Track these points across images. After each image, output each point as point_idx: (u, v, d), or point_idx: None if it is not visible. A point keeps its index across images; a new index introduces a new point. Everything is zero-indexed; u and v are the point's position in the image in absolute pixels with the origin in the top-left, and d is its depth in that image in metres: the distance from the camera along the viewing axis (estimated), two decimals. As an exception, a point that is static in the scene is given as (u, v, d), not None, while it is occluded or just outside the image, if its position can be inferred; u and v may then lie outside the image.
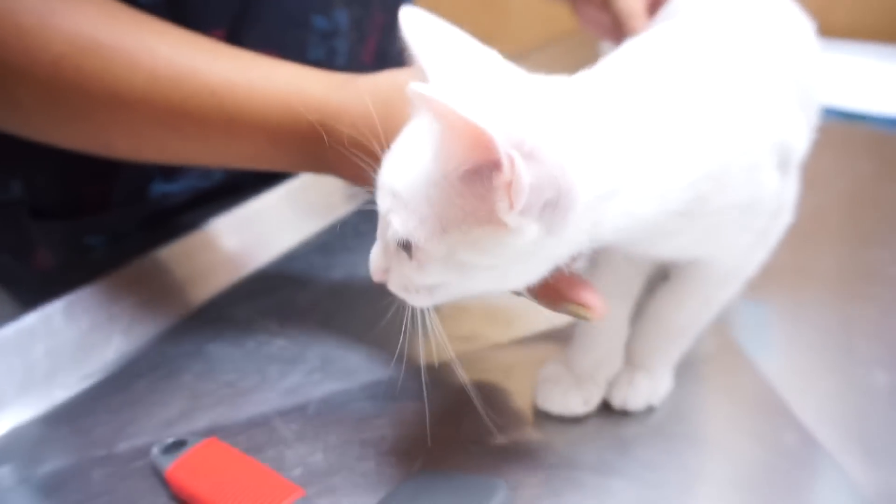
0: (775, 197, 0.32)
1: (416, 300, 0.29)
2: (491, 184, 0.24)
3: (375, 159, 0.34)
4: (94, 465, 0.36)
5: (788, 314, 0.48)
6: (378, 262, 0.29)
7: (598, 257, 0.37)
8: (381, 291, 0.51)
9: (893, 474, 0.34)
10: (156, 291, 0.48)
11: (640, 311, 0.38)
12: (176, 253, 0.50)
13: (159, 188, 0.53)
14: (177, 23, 0.42)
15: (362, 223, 0.60)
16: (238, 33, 0.50)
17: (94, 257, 0.51)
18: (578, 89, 0.28)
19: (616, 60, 0.31)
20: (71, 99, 0.37)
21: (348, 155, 0.35)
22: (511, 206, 0.24)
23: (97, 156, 0.42)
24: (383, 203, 0.27)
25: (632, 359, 0.37)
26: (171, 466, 0.33)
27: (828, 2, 1.13)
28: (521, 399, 0.39)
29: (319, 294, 0.50)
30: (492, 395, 0.40)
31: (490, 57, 0.29)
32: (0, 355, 0.39)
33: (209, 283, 0.50)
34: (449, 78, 0.27)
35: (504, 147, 0.23)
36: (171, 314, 0.47)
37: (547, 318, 0.45)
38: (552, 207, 0.25)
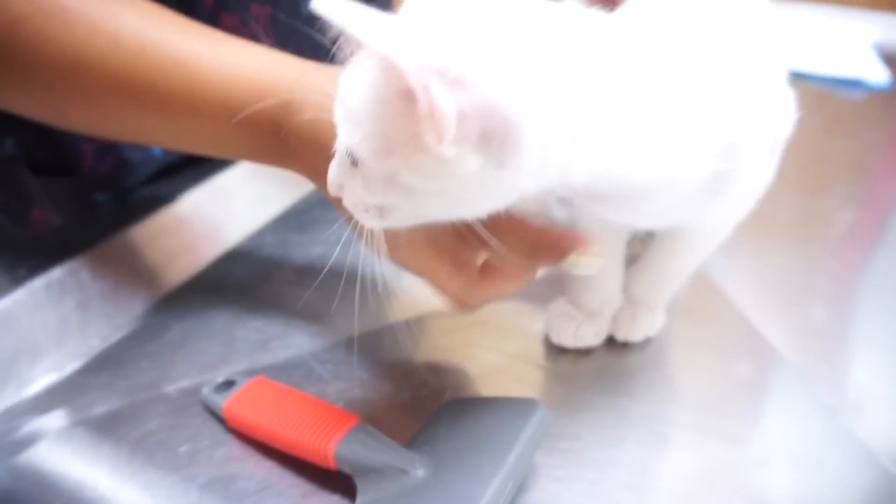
0: (764, 171, 0.34)
1: (368, 221, 0.29)
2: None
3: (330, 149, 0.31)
4: (146, 406, 0.38)
5: (755, 256, 0.54)
6: (334, 177, 0.29)
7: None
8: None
9: (847, 388, 0.42)
10: (172, 246, 0.49)
11: (641, 257, 0.42)
12: (187, 208, 0.51)
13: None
14: None
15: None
16: None
17: (101, 214, 0.52)
18: (565, 24, 0.26)
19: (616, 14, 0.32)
20: (27, 61, 0.36)
21: (305, 141, 0.34)
22: (437, 136, 0.23)
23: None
24: (338, 112, 0.26)
25: (633, 298, 0.42)
26: (227, 402, 0.36)
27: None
28: (531, 335, 0.44)
29: (329, 246, 0.53)
30: (504, 332, 0.44)
31: None
32: (33, 307, 0.40)
33: (220, 238, 0.52)
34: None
35: (415, 74, 0.22)
36: (190, 267, 0.49)
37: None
38: (496, 139, 0.24)
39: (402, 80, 0.22)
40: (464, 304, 0.35)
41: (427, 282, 0.36)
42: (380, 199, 0.27)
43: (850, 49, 0.97)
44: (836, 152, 0.73)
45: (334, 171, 0.29)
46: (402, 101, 0.23)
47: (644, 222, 0.37)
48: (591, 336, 0.41)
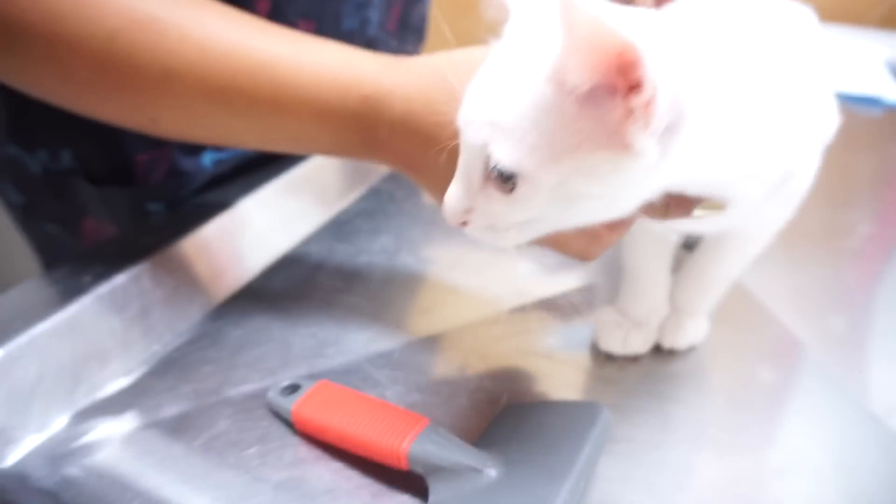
0: (812, 174, 0.37)
1: (504, 239, 0.29)
2: (612, 105, 0.23)
3: (427, 139, 0.34)
4: (212, 409, 0.39)
5: (786, 266, 0.55)
6: (460, 202, 0.28)
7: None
8: (436, 249, 0.55)
9: (878, 386, 0.43)
10: (223, 255, 0.50)
11: (685, 265, 0.44)
12: (235, 218, 0.52)
13: (211, 156, 0.55)
14: None
15: (398, 190, 0.64)
16: (280, 4, 0.52)
17: (155, 223, 0.53)
18: (680, 25, 0.28)
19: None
20: (123, 72, 0.37)
21: (398, 134, 0.36)
22: (647, 128, 0.23)
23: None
24: (477, 135, 0.26)
25: (678, 306, 0.44)
26: (295, 405, 0.37)
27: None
28: (579, 342, 0.45)
29: (374, 255, 0.54)
30: (553, 340, 0.46)
31: None
32: (100, 313, 0.42)
33: (268, 247, 0.53)
34: (534, 13, 0.27)
35: (650, 66, 0.22)
36: (241, 275, 0.50)
37: (585, 277, 0.52)
38: (669, 131, 0.24)
39: (620, 72, 0.22)
40: (587, 258, 0.36)
41: (550, 246, 0.36)
42: (535, 212, 0.27)
43: (865, 67, 0.99)
44: (856, 168, 0.74)
45: (458, 196, 0.28)
46: (581, 101, 0.24)
47: (707, 225, 0.38)
48: (638, 343, 0.43)
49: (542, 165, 0.25)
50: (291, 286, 0.50)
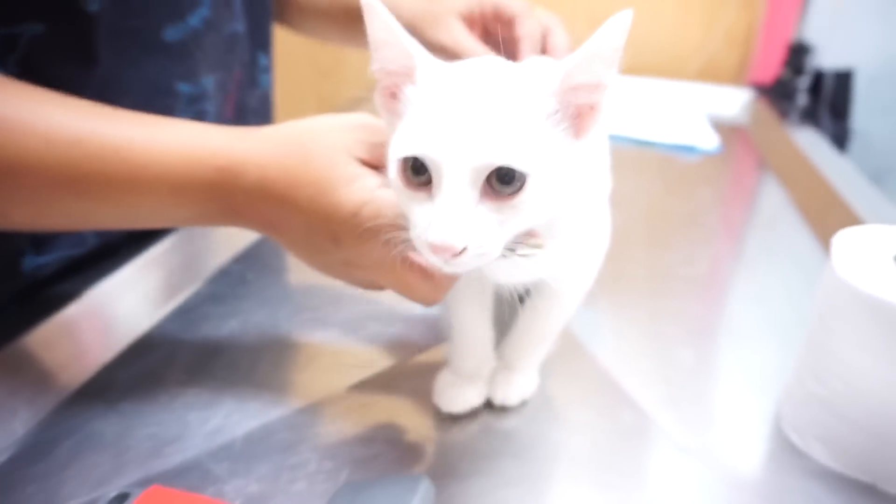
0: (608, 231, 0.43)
1: (495, 250, 0.31)
2: (575, 104, 0.31)
3: (283, 202, 0.38)
4: (33, 533, 0.37)
5: (612, 313, 0.60)
6: (463, 222, 0.29)
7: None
8: (284, 329, 0.55)
9: (703, 430, 0.47)
10: (52, 361, 0.48)
11: (511, 325, 0.47)
12: (65, 322, 0.50)
13: (31, 261, 0.53)
14: None
15: (248, 270, 0.65)
16: (106, 103, 0.52)
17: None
18: None
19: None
20: None
21: (256, 199, 0.38)
22: (598, 118, 0.32)
23: None
24: (474, 158, 0.29)
25: (508, 363, 0.47)
26: (122, 518, 0.36)
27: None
28: (420, 409, 0.47)
29: (221, 341, 0.54)
30: (394, 411, 0.47)
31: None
32: None
33: (105, 345, 0.52)
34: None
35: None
36: (74, 380, 0.48)
37: (426, 344, 0.54)
38: None
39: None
40: (430, 302, 0.39)
41: (398, 291, 0.40)
42: (536, 207, 0.31)
43: (684, 118, 1.12)
44: (676, 211, 0.83)
45: (461, 217, 0.30)
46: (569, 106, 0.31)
47: (526, 269, 0.41)
48: (473, 397, 0.45)
49: (548, 161, 0.30)
50: (131, 384, 0.49)
